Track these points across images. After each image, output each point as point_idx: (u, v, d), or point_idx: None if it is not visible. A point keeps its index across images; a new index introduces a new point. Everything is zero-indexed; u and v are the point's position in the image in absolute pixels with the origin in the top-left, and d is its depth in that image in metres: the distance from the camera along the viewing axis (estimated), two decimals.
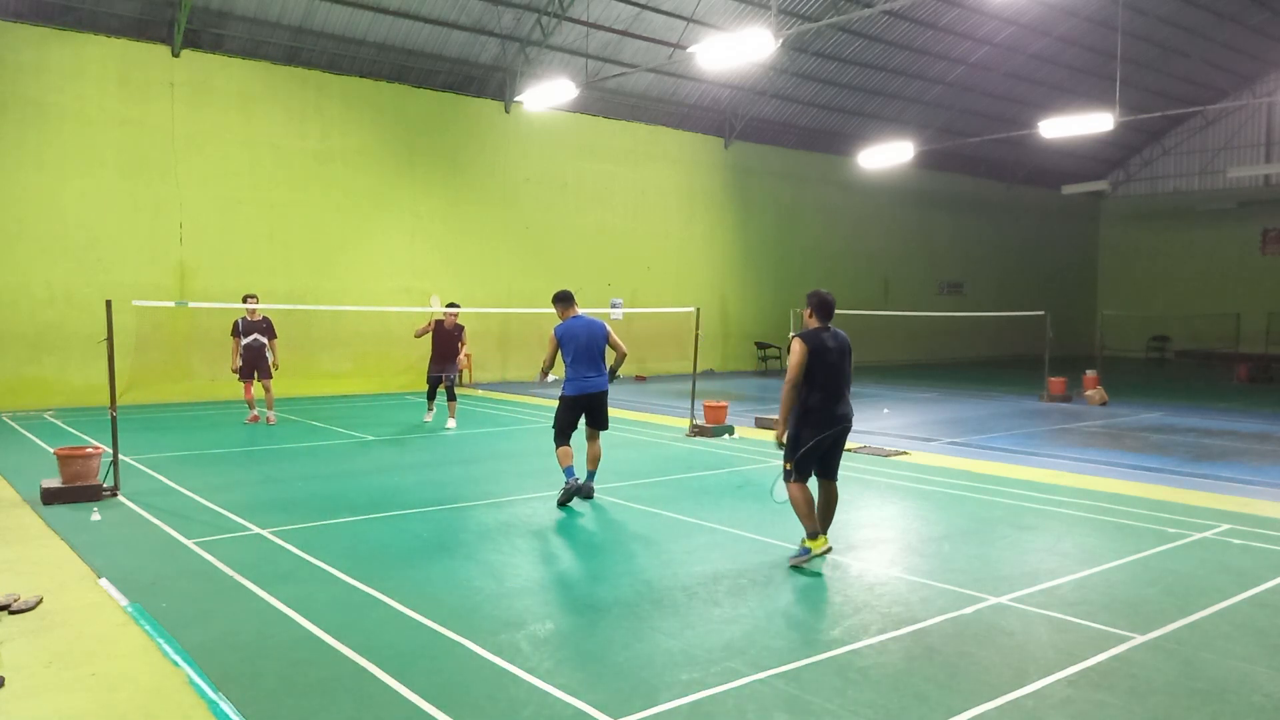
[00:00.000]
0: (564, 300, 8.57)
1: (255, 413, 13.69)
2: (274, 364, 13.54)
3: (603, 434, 8.63)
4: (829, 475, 6.42)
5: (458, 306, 13.78)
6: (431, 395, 13.92)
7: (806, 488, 6.26)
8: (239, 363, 13.33)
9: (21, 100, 15.30)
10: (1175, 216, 35.25)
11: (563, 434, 8.32)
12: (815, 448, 6.19)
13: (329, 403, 16.62)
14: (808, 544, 6.22)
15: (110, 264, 16.07)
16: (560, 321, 8.47)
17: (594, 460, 8.54)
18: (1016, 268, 34.73)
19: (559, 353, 8.40)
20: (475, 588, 5.75)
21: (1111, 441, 12.40)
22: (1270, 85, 32.00)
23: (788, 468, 6.26)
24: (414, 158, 19.71)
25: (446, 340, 13.52)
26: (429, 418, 13.94)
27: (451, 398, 13.57)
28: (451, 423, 13.49)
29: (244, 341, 13.27)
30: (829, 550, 6.23)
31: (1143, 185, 36.56)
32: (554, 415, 8.47)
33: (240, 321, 13.41)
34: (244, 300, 13.40)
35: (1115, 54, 22.84)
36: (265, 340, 13.39)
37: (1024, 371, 24.35)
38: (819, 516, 6.33)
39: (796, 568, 6.16)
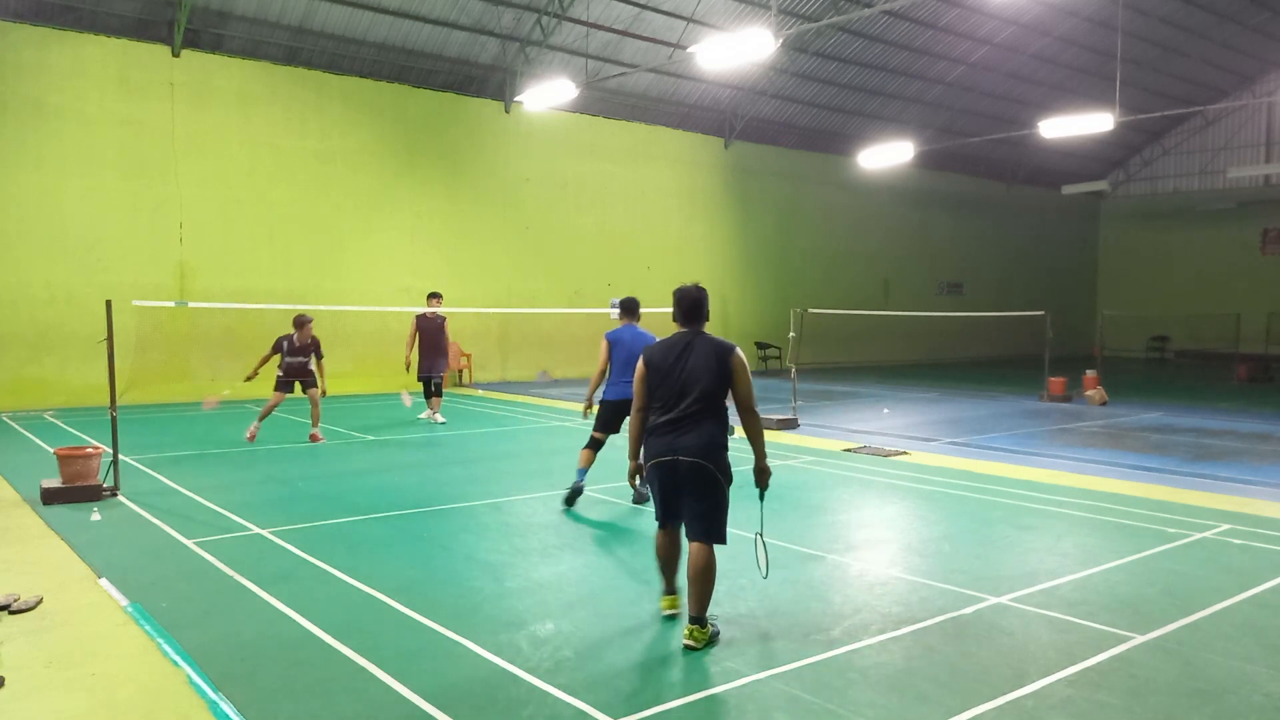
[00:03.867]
0: (630, 310, 8.12)
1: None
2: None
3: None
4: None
5: (439, 297, 13.80)
6: (426, 393, 14.16)
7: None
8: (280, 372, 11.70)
9: (21, 100, 15.30)
10: (1175, 216, 35.25)
11: (594, 435, 8.12)
12: None
13: (329, 403, 16.56)
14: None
15: (110, 264, 16.07)
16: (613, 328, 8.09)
17: None
18: (1016, 268, 34.72)
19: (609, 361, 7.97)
20: (475, 588, 5.75)
21: (1111, 441, 12.39)
22: (1270, 85, 32.00)
23: None
24: (414, 158, 19.70)
25: (431, 336, 13.60)
26: (424, 415, 14.16)
27: (437, 394, 13.92)
28: (438, 417, 13.83)
29: (288, 360, 11.69)
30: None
31: (1143, 185, 36.55)
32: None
33: (285, 341, 11.70)
34: (297, 323, 11.66)
35: (1115, 54, 22.84)
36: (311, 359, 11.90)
37: (1024, 371, 24.32)
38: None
39: None
